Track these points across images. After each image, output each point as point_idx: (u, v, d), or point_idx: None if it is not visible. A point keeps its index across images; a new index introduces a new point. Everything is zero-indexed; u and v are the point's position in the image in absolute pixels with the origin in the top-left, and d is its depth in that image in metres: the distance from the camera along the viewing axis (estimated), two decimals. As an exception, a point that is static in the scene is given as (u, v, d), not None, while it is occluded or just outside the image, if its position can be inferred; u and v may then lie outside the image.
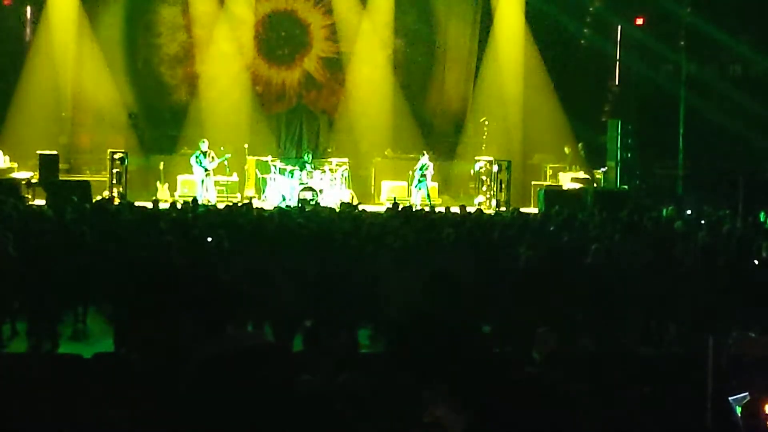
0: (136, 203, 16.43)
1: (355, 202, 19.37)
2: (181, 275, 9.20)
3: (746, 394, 5.25)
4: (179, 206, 15.87)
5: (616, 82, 24.41)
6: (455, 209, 16.30)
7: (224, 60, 23.59)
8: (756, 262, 11.20)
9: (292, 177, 21.14)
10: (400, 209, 15.73)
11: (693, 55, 22.49)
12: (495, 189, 21.44)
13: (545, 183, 22.23)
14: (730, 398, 5.33)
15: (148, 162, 22.62)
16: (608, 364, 7.48)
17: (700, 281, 9.98)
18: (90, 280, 10.87)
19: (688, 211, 17.39)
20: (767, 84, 21.92)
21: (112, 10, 23.51)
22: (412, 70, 24.64)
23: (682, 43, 22.48)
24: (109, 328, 10.13)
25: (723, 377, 5.98)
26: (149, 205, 16.26)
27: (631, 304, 10.27)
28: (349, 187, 21.62)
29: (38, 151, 20.50)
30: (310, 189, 20.73)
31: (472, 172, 22.98)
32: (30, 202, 18.74)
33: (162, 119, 23.97)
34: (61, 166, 21.02)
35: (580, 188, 21.24)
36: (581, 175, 21.97)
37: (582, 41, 23.93)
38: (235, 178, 21.77)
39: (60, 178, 20.38)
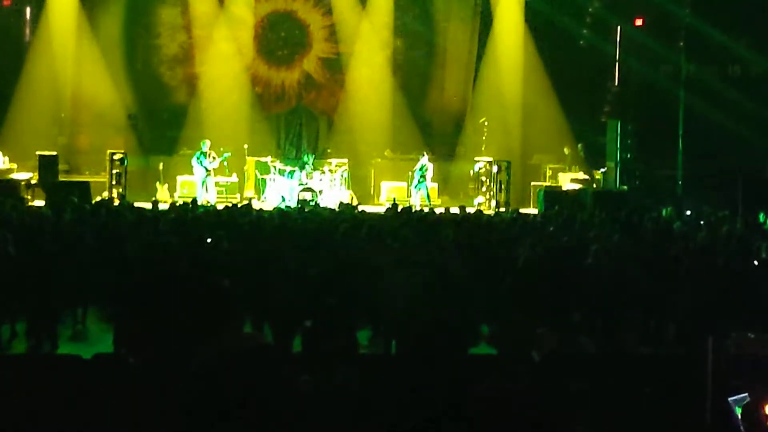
0: (136, 204, 16.43)
1: (354, 203, 19.37)
2: (181, 276, 9.21)
3: (745, 394, 5.26)
4: (178, 207, 15.86)
5: (616, 83, 24.40)
6: (455, 210, 16.30)
7: (224, 61, 23.58)
8: (755, 262, 11.19)
9: (291, 178, 21.13)
10: (399, 210, 15.72)
11: (692, 56, 22.48)
12: (494, 189, 21.43)
13: (545, 183, 22.23)
14: (729, 398, 5.33)
15: (147, 163, 22.61)
16: (608, 364, 7.48)
17: (700, 282, 9.98)
18: (89, 280, 10.88)
19: (688, 212, 17.38)
20: (766, 84, 21.91)
21: (111, 11, 23.50)
22: (412, 71, 24.64)
23: (682, 43, 22.48)
24: (109, 328, 10.14)
25: (722, 377, 5.98)
26: (149, 205, 16.25)
27: (631, 304, 10.28)
28: (348, 188, 21.61)
29: (37, 152, 20.48)
30: (310, 190, 20.73)
31: (471, 172, 22.97)
32: (29, 203, 18.74)
33: (161, 120, 23.96)
34: (60, 166, 21.00)
35: (580, 189, 21.24)
36: (581, 175, 21.97)
37: (581, 42, 23.91)
38: (234, 178, 21.76)
39: (59, 179, 20.36)
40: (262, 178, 21.63)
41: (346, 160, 21.97)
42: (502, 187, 21.29)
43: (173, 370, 6.25)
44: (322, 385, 5.75)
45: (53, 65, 22.73)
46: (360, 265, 10.23)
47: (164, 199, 20.34)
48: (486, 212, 18.13)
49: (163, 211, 15.40)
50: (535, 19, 23.53)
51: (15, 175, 20.38)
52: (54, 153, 20.88)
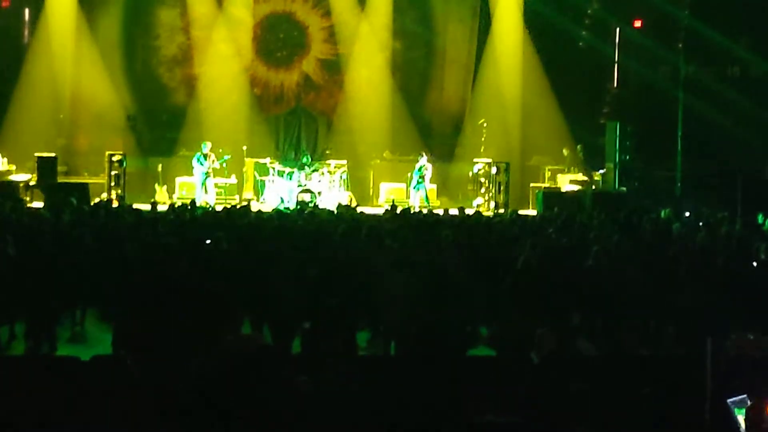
0: (135, 205, 16.42)
1: (353, 204, 19.35)
2: (180, 277, 9.21)
3: (745, 395, 5.25)
4: (177, 208, 15.84)
5: (615, 84, 24.40)
6: (454, 211, 16.29)
7: (223, 62, 23.56)
8: (754, 263, 11.20)
9: (290, 179, 21.13)
10: (398, 211, 15.72)
11: (691, 57, 22.49)
12: (493, 191, 21.42)
13: (544, 185, 22.22)
14: (728, 399, 5.32)
15: (146, 164, 22.60)
16: (607, 365, 7.48)
17: (699, 283, 9.98)
18: (88, 282, 10.86)
19: (687, 213, 17.38)
20: (766, 86, 21.92)
21: (110, 12, 23.48)
22: (411, 72, 24.62)
23: (681, 45, 22.49)
24: (108, 330, 10.12)
25: (722, 379, 5.98)
26: (147, 207, 16.24)
27: (630, 305, 10.28)
28: (347, 189, 21.60)
29: (36, 154, 20.47)
30: (309, 191, 20.72)
31: (470, 174, 22.95)
32: (28, 205, 18.72)
33: (160, 121, 23.94)
34: (59, 168, 20.97)
35: (579, 190, 21.24)
36: (580, 176, 21.96)
37: (580, 43, 23.91)
38: (233, 180, 21.75)
39: (58, 181, 20.35)
40: (261, 180, 21.62)
41: (345, 162, 21.96)
42: (501, 188, 21.28)
43: (172, 371, 6.25)
44: (322, 386, 5.74)
45: (52, 66, 22.71)
46: (359, 267, 10.23)
47: (163, 200, 20.33)
48: (485, 213, 18.13)
49: (162, 213, 15.40)
50: (534, 20, 23.53)
51: (14, 177, 20.38)
52: (53, 154, 20.86)
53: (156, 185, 21.44)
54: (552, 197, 20.35)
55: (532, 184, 22.48)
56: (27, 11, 23.52)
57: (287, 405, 5.04)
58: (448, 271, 10.11)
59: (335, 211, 16.12)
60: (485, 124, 23.15)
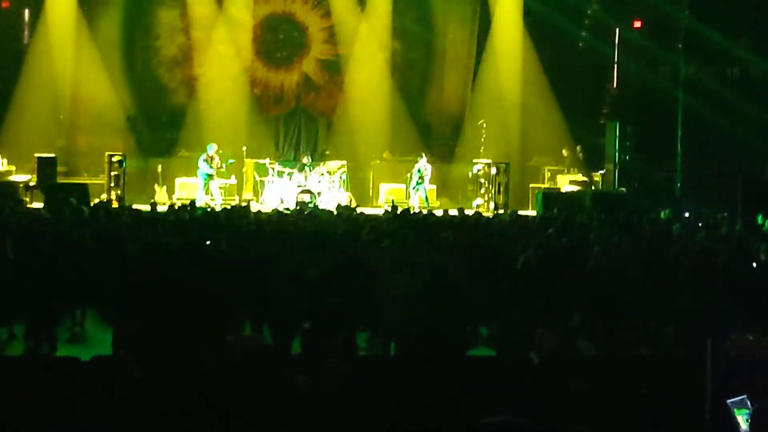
0: (134, 206, 16.42)
1: (353, 205, 19.35)
2: (180, 278, 9.20)
3: (745, 396, 5.25)
4: (177, 209, 15.84)
5: (615, 85, 24.39)
6: (453, 212, 16.27)
7: (222, 62, 23.57)
8: (754, 264, 11.20)
9: (290, 179, 21.13)
10: (398, 212, 15.72)
11: (691, 58, 22.48)
12: (493, 191, 21.42)
13: (543, 185, 22.22)
14: (728, 400, 5.32)
15: (146, 164, 22.60)
16: (607, 365, 7.48)
17: (699, 283, 9.99)
18: (88, 282, 10.86)
19: (687, 213, 17.38)
20: (766, 86, 21.92)
21: (110, 13, 23.47)
22: (411, 73, 24.62)
23: (680, 45, 22.48)
24: (108, 330, 10.13)
25: (722, 379, 5.98)
26: (147, 207, 16.24)
27: (630, 305, 10.28)
28: (347, 190, 21.61)
29: (36, 154, 20.46)
30: (308, 191, 20.72)
31: (470, 174, 22.95)
32: (28, 205, 18.72)
33: (160, 122, 23.93)
34: (59, 168, 20.97)
35: (579, 191, 21.24)
36: (579, 177, 21.96)
37: (580, 44, 23.90)
38: (233, 180, 21.75)
39: (58, 181, 20.33)
40: (261, 180, 21.62)
41: (344, 162, 21.96)
42: (501, 188, 21.28)
43: (173, 371, 6.25)
44: (322, 386, 5.74)
45: (52, 67, 22.70)
46: (359, 267, 10.23)
47: (163, 200, 20.33)
48: (485, 214, 18.13)
49: (162, 213, 15.40)
50: (533, 21, 23.53)
51: (14, 177, 20.37)
52: (53, 155, 20.86)
53: (156, 186, 21.44)
54: (552, 198, 20.34)
55: (531, 185, 22.49)
56: (27, 11, 23.50)
57: (287, 405, 5.04)
58: (448, 271, 10.12)
59: (335, 212, 16.13)
60: (485, 125, 23.15)
